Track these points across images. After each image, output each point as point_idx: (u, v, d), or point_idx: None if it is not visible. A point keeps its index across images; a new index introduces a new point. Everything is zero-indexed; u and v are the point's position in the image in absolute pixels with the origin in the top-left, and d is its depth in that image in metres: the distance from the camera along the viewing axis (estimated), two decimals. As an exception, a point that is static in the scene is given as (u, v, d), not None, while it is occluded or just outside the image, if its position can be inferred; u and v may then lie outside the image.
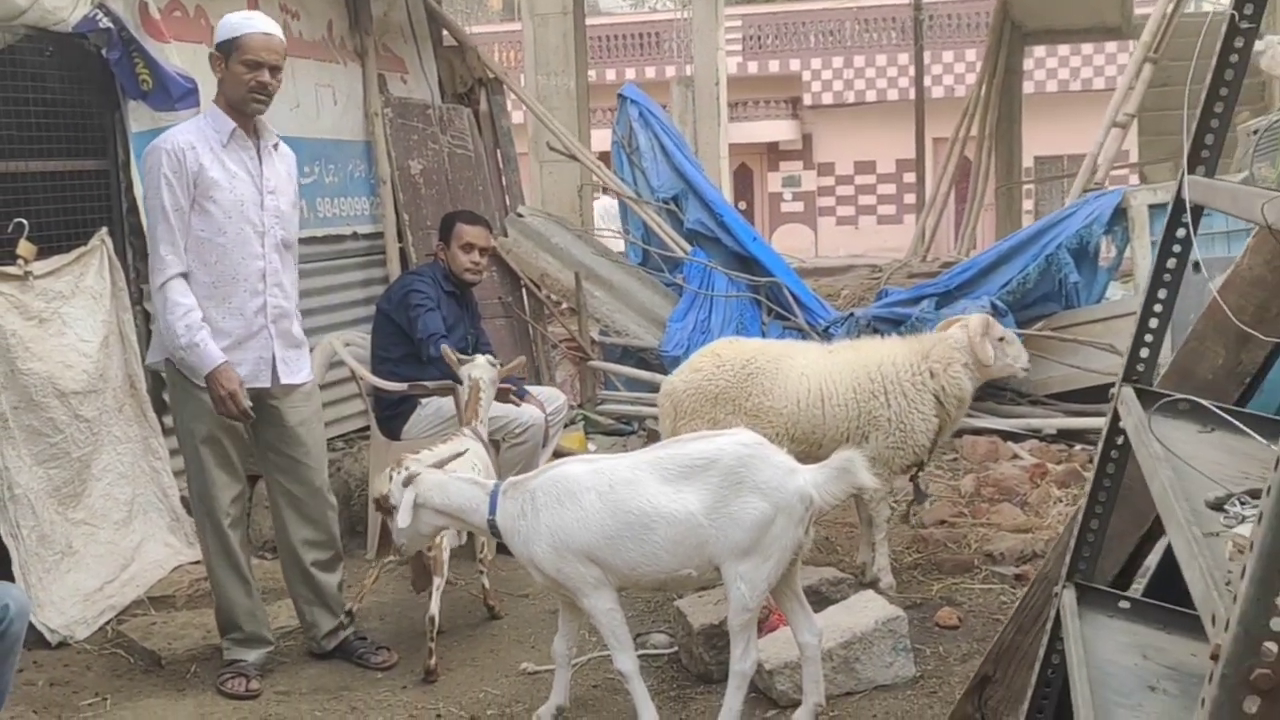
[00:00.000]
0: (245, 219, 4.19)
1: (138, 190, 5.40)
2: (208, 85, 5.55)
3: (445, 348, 5.17)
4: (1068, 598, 2.08)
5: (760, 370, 4.84)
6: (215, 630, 4.68)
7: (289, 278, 4.39)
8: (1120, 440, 2.08)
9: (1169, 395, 2.00)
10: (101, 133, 5.41)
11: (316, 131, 6.77)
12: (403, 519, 3.76)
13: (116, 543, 5.12)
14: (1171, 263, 1.98)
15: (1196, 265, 4.13)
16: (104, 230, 5.21)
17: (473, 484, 3.85)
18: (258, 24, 4.19)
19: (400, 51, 7.80)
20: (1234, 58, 1.90)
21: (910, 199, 27.79)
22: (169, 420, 5.62)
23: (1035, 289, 7.16)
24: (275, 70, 4.18)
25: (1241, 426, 1.78)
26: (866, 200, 29.74)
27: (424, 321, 5.48)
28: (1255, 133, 3.65)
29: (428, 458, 4.07)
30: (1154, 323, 2.01)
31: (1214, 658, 1.10)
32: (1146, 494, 2.39)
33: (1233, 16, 1.86)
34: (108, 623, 4.84)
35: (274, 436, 4.42)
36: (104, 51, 5.20)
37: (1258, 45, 3.83)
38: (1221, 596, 1.17)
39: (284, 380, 4.34)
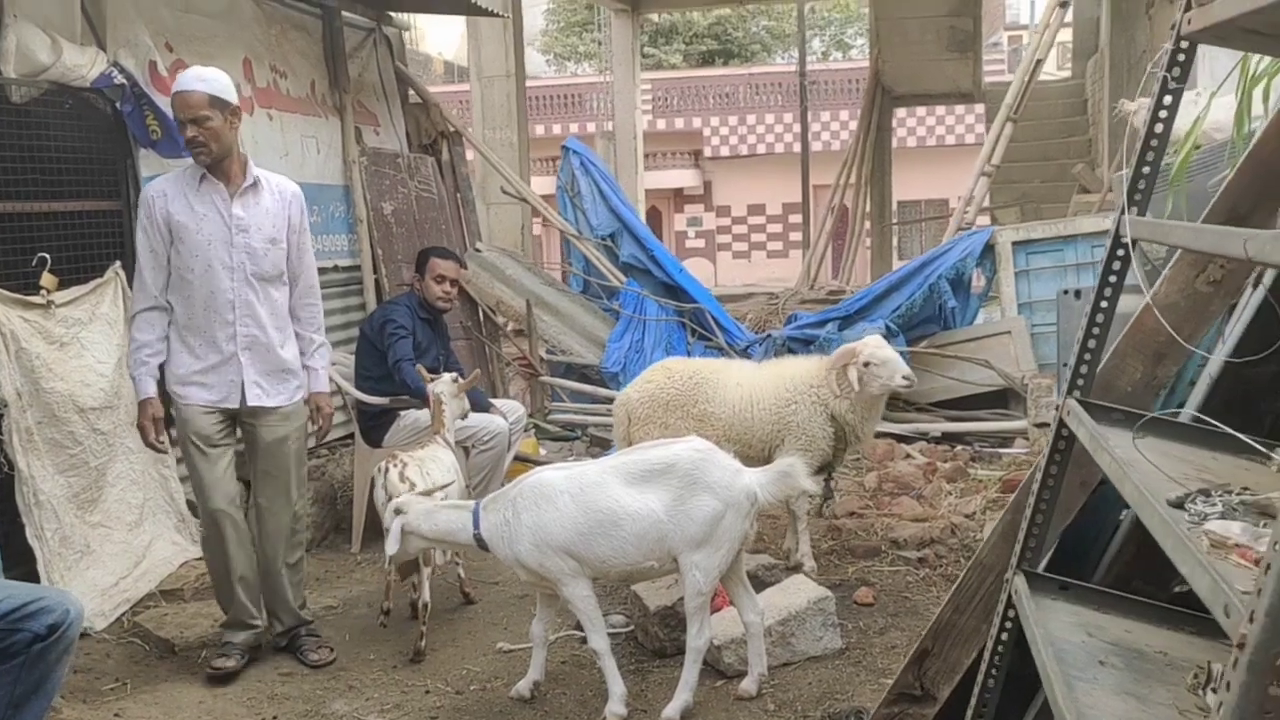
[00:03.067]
0: (213, 255, 3.96)
1: (146, 228, 5.22)
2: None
3: (419, 366, 5.09)
4: (1019, 584, 2.04)
5: (705, 381, 4.80)
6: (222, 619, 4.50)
7: (266, 308, 4.08)
8: (1062, 445, 2.04)
9: (1107, 406, 1.97)
10: (115, 176, 5.17)
11: (302, 176, 6.53)
12: (390, 546, 3.63)
13: (129, 542, 4.89)
14: (1109, 291, 1.95)
15: (1077, 293, 4.17)
16: (117, 264, 4.98)
17: (455, 508, 3.74)
18: (180, 84, 3.91)
19: (373, 107, 7.63)
20: (1163, 113, 1.87)
21: (794, 236, 28.05)
22: (175, 432, 5.42)
23: (920, 313, 7.21)
24: (198, 122, 3.85)
25: (1209, 429, 1.75)
26: (758, 238, 29.97)
27: (395, 349, 5.37)
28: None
29: (416, 490, 3.96)
30: (1092, 343, 1.98)
31: (1240, 646, 1.05)
32: (1071, 491, 2.37)
33: (1165, 77, 1.84)
34: (124, 614, 4.62)
35: (250, 451, 4.24)
36: (118, 104, 5.00)
37: (1130, 105, 3.87)
38: (1232, 591, 1.12)
39: (251, 403, 4.09)
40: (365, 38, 7.60)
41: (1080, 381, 2.00)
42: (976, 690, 2.14)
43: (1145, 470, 1.61)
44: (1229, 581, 1.16)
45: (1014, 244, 7.34)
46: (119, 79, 4.92)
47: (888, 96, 16.03)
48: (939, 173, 26.33)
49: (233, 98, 3.96)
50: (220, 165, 3.97)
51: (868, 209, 16.05)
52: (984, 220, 14.73)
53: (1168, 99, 1.88)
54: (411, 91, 8.22)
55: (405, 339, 5.40)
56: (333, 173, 6.96)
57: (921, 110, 26.13)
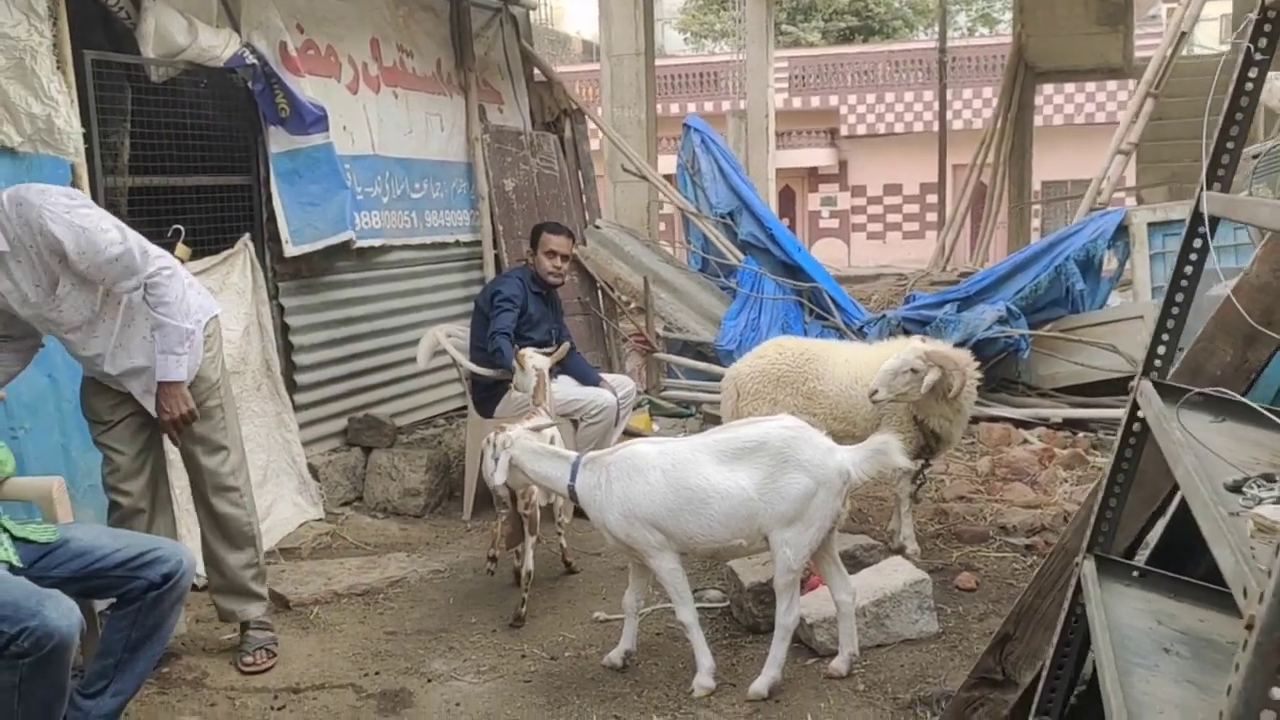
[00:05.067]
0: (25, 322, 3.47)
1: (276, 203, 5.44)
2: (335, 114, 5.63)
3: (514, 344, 5.21)
4: (1088, 568, 1.99)
5: (815, 358, 4.80)
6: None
7: (102, 343, 3.55)
8: (1137, 428, 1.98)
9: (1186, 389, 1.90)
10: (246, 153, 5.43)
11: (426, 154, 6.77)
12: (498, 478, 3.76)
13: (255, 497, 5.12)
14: (1189, 269, 1.88)
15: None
16: (247, 236, 5.23)
17: (557, 455, 3.83)
18: None
19: (497, 85, 7.78)
20: (1249, 86, 1.79)
21: (931, 217, 27.43)
22: (300, 398, 5.67)
23: (1045, 295, 7.00)
24: None
25: (1268, 414, 1.68)
26: (894, 218, 29.42)
27: (495, 320, 5.48)
28: (1255, 157, 3.51)
29: (528, 425, 4.05)
30: (1171, 323, 1.91)
31: (1249, 627, 1.02)
32: (1157, 477, 2.30)
33: (1249, 49, 1.75)
34: (245, 569, 4.85)
35: None
36: (249, 83, 5.24)
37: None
38: (1253, 571, 1.09)
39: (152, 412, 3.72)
40: (492, 17, 7.75)
41: (1157, 363, 1.94)
42: (1044, 674, 2.10)
43: (1205, 453, 1.55)
44: (1254, 564, 1.12)
45: (1150, 225, 7.04)
46: (251, 59, 5.15)
47: (1031, 73, 15.50)
48: (1088, 151, 25.26)
49: None
50: None
51: (1006, 189, 15.59)
52: (1131, 201, 14.15)
53: (1253, 72, 1.79)
54: (536, 70, 8.34)
55: (508, 312, 5.50)
56: (456, 150, 7.13)
57: (1070, 87, 25.21)
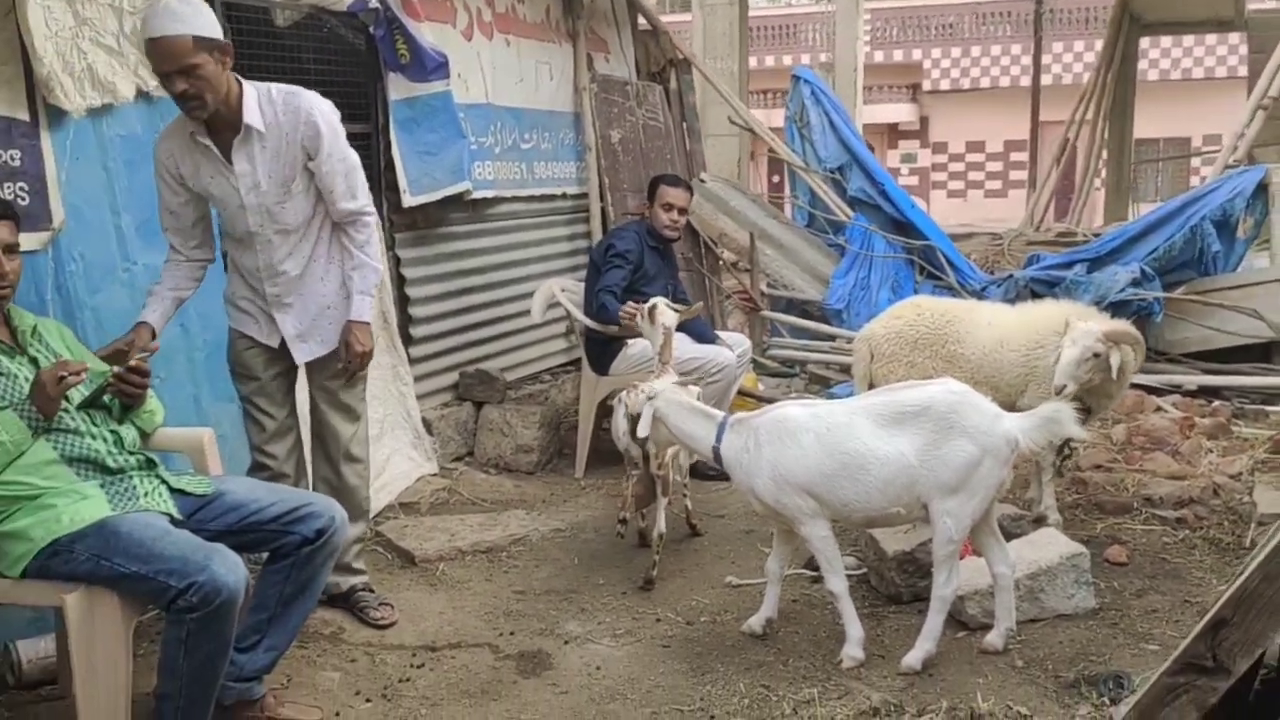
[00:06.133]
0: (235, 214, 3.46)
1: (395, 152, 5.34)
2: (451, 61, 5.49)
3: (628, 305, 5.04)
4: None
5: (957, 320, 4.59)
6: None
7: (295, 264, 3.53)
8: None
9: None
10: (365, 100, 5.33)
11: (536, 103, 6.64)
12: (643, 429, 3.65)
13: (371, 455, 5.07)
14: None
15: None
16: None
17: (705, 414, 3.70)
18: (152, 28, 3.07)
19: (604, 34, 7.60)
20: None
21: (1015, 175, 26.76)
22: (414, 351, 5.60)
23: (1178, 256, 6.69)
24: (186, 73, 3.09)
25: None
26: (976, 176, 28.74)
27: (604, 276, 5.36)
28: None
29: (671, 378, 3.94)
30: None
31: None
32: None
33: None
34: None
35: None
36: (370, 28, 5.12)
37: None
38: None
39: (297, 360, 3.69)
40: (598, -37, 7.56)
41: None
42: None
43: None
44: None
45: (1291, 184, 6.70)
46: (373, 2, 5.02)
47: (1136, 24, 14.91)
48: (1182, 109, 24.48)
49: (219, 32, 3.17)
50: (216, 114, 3.28)
51: (1103, 147, 15.05)
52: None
53: None
54: (641, 18, 8.14)
55: (619, 269, 5.35)
56: (564, 99, 6.99)
57: (1166, 41, 24.32)
